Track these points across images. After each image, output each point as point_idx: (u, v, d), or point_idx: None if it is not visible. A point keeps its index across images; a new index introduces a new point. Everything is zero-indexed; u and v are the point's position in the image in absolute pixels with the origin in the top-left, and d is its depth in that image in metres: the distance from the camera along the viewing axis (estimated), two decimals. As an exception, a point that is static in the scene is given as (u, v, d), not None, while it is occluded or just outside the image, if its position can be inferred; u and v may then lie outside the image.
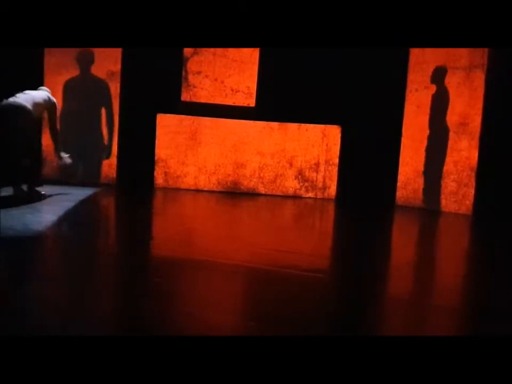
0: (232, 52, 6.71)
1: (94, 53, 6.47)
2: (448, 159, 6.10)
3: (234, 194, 6.54)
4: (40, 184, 5.17)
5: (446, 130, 6.11)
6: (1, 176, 4.99)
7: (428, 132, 6.28)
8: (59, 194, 5.39)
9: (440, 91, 6.15)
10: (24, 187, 5.02)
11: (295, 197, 6.65)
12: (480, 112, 5.88)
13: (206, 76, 6.75)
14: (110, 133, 6.61)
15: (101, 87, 6.55)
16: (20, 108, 4.82)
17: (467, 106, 5.95)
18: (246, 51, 6.70)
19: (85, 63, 6.50)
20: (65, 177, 6.33)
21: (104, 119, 6.60)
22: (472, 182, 5.94)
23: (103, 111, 6.59)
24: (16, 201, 4.72)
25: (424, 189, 6.32)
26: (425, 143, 6.29)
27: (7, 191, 4.97)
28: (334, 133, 6.68)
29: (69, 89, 6.51)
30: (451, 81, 6.06)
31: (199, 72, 6.75)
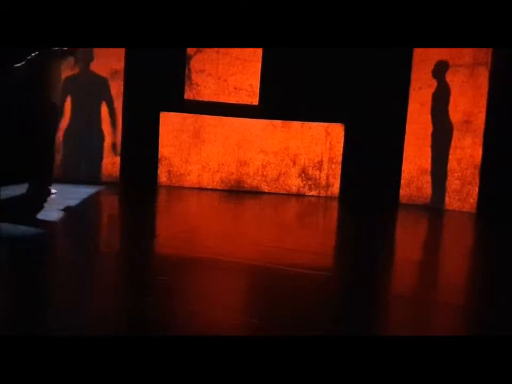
0: (235, 50, 6.71)
1: (93, 50, 6.44)
2: (452, 157, 6.08)
3: (237, 192, 6.54)
4: (49, 183, 5.02)
5: (449, 128, 6.10)
6: (17, 172, 4.94)
7: (431, 129, 6.26)
8: (62, 192, 5.40)
9: (442, 87, 6.12)
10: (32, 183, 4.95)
11: (298, 195, 6.64)
12: (484, 109, 5.86)
13: (209, 74, 6.75)
14: (114, 129, 6.59)
15: (101, 84, 6.53)
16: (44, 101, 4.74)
17: (471, 104, 5.93)
18: (249, 49, 6.70)
19: (85, 60, 6.49)
20: (67, 175, 6.34)
21: (103, 117, 6.57)
22: (476, 180, 5.92)
23: (104, 108, 6.57)
24: (27, 199, 4.72)
25: (427, 187, 6.31)
26: (428, 141, 6.28)
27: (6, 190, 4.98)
28: (337, 131, 6.67)
29: (68, 86, 6.49)
30: (455, 79, 6.04)
31: (202, 71, 6.75)
